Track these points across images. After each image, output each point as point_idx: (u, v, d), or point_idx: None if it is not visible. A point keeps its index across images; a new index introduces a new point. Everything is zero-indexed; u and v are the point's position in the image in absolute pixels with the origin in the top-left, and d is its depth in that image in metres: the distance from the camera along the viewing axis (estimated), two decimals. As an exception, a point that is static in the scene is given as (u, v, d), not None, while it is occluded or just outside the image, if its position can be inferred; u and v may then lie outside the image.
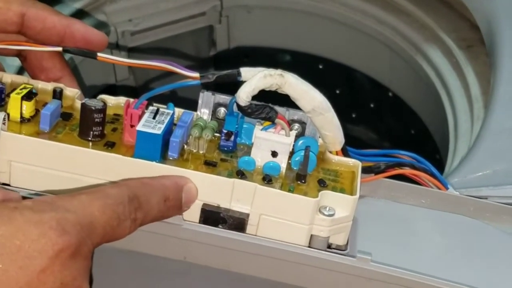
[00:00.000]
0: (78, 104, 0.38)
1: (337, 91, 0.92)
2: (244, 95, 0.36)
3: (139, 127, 0.35)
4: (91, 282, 0.33)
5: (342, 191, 0.37)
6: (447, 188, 0.44)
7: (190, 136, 0.38)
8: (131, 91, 0.82)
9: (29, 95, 0.37)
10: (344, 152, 0.40)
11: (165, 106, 0.38)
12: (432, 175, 0.44)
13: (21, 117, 0.37)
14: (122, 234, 0.33)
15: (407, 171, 0.43)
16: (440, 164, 0.71)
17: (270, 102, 0.38)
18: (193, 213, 0.36)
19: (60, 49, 0.40)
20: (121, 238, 0.33)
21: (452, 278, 0.36)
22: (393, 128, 0.90)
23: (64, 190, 0.35)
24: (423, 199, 0.43)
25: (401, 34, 0.82)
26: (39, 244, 0.29)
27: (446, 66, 0.76)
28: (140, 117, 0.37)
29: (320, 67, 0.91)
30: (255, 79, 0.36)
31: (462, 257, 0.39)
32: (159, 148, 0.35)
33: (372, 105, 0.91)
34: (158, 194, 0.34)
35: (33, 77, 0.43)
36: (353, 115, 0.93)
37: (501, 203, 0.44)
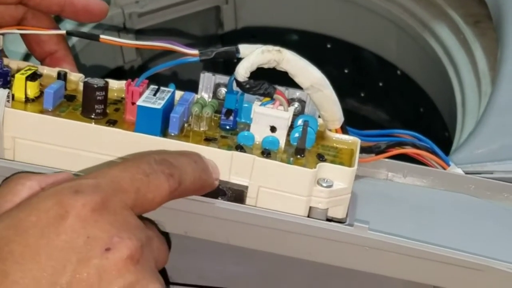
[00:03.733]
0: (82, 87, 0.39)
1: (346, 70, 0.92)
2: (242, 70, 0.37)
3: (140, 102, 0.36)
4: (169, 244, 0.33)
5: (341, 164, 0.37)
6: (449, 165, 0.44)
7: (191, 114, 0.38)
8: (139, 72, 0.83)
9: (34, 76, 0.38)
10: (344, 130, 0.40)
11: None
12: (433, 153, 0.44)
13: (26, 97, 0.38)
14: (160, 188, 0.32)
15: (408, 150, 0.43)
16: (448, 141, 0.71)
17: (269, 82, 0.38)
18: (192, 186, 0.36)
19: (64, 32, 0.41)
20: (164, 194, 0.32)
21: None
22: (401, 106, 0.90)
23: (67, 165, 0.36)
24: (424, 178, 0.43)
25: (409, 11, 0.81)
26: (53, 211, 0.29)
27: (453, 42, 0.75)
28: (141, 94, 0.37)
29: (328, 46, 0.91)
30: (253, 55, 0.37)
31: (460, 231, 0.40)
32: (159, 122, 0.36)
33: (380, 84, 0.91)
34: (185, 156, 0.34)
35: (29, 48, 0.44)
36: (362, 94, 0.93)
37: (506, 178, 0.44)
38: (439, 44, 0.77)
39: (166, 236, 0.36)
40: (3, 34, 0.41)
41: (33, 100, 0.38)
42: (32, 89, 0.38)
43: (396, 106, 0.91)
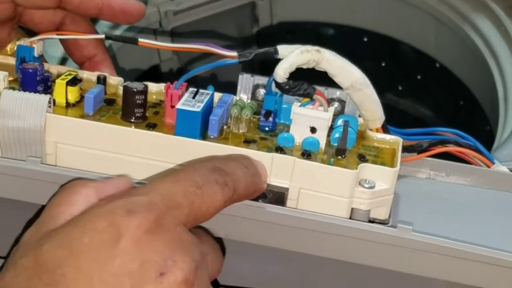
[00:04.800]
0: (121, 91, 0.39)
1: (383, 64, 0.91)
2: (281, 71, 0.37)
3: (179, 105, 0.36)
4: (223, 249, 0.33)
5: (382, 164, 0.37)
6: (493, 163, 0.43)
7: (230, 116, 0.38)
8: (175, 71, 0.84)
9: (74, 81, 0.38)
10: (385, 129, 0.40)
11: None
12: (477, 150, 0.43)
13: (66, 102, 0.38)
14: (214, 199, 0.31)
15: (451, 148, 0.42)
16: (490, 136, 0.70)
17: (309, 82, 0.38)
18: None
19: (102, 36, 0.42)
20: (218, 204, 0.32)
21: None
22: (441, 99, 0.89)
23: (108, 170, 0.37)
24: (468, 177, 0.43)
25: (447, 3, 0.80)
26: (107, 233, 0.29)
27: (494, 34, 0.74)
28: (180, 97, 0.37)
29: (365, 40, 0.90)
30: (292, 55, 0.37)
31: (506, 231, 0.39)
32: (199, 125, 0.36)
33: (419, 77, 0.90)
34: (236, 161, 0.34)
35: (68, 53, 0.44)
36: (400, 88, 0.92)
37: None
38: (480, 36, 0.75)
39: (219, 241, 0.35)
40: (42, 40, 0.41)
41: (73, 105, 0.38)
42: (73, 94, 0.38)
43: (435, 99, 0.90)
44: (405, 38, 0.87)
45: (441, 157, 0.43)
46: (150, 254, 0.29)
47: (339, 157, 0.37)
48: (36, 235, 0.31)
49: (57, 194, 0.33)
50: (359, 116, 0.40)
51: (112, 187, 0.33)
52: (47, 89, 0.38)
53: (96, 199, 0.32)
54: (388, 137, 0.39)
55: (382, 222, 0.37)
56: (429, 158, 0.42)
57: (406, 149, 0.41)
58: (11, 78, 0.39)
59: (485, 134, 0.75)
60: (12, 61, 0.42)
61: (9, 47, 0.44)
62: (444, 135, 0.43)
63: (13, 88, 0.38)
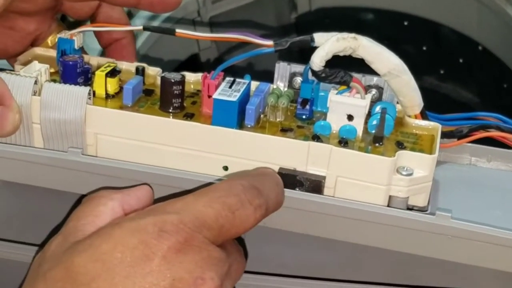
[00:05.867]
0: (159, 81, 0.39)
1: (424, 48, 0.90)
2: (317, 59, 0.36)
3: (216, 95, 0.37)
4: (245, 252, 0.34)
5: (421, 151, 0.37)
6: (536, 148, 0.42)
7: (267, 105, 0.38)
8: (215, 60, 0.84)
9: (113, 72, 0.39)
10: (423, 116, 0.39)
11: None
12: (519, 135, 0.42)
13: (106, 93, 0.39)
14: (245, 223, 0.32)
15: (493, 133, 0.41)
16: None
17: (346, 69, 0.38)
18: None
19: (140, 28, 0.42)
20: (249, 227, 0.32)
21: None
22: (484, 83, 0.87)
23: (147, 160, 0.37)
24: (510, 162, 0.42)
25: (489, -16, 0.78)
26: (139, 251, 0.29)
27: (539, 15, 0.72)
28: (217, 87, 0.38)
29: (405, 24, 0.89)
30: (328, 43, 0.36)
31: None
32: (235, 115, 0.36)
33: (461, 61, 0.88)
34: (269, 179, 0.35)
35: (97, 35, 0.45)
36: (441, 72, 0.90)
37: None
38: (523, 18, 0.74)
39: (242, 243, 0.36)
40: (82, 32, 0.42)
41: (113, 96, 0.39)
42: (112, 85, 0.39)
43: (477, 82, 0.88)
44: (446, 21, 0.86)
45: (482, 142, 0.42)
46: (181, 273, 0.29)
47: (377, 144, 0.37)
48: (62, 246, 0.31)
49: (83, 205, 0.33)
50: (397, 102, 0.39)
51: (136, 198, 0.34)
52: (87, 81, 0.39)
53: (121, 211, 0.33)
54: (426, 123, 0.39)
55: (421, 210, 0.37)
56: (469, 144, 0.42)
57: (445, 134, 0.41)
58: (52, 71, 0.40)
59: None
60: (53, 53, 0.43)
61: (50, 40, 0.45)
62: (485, 119, 0.42)
63: (54, 81, 0.39)
